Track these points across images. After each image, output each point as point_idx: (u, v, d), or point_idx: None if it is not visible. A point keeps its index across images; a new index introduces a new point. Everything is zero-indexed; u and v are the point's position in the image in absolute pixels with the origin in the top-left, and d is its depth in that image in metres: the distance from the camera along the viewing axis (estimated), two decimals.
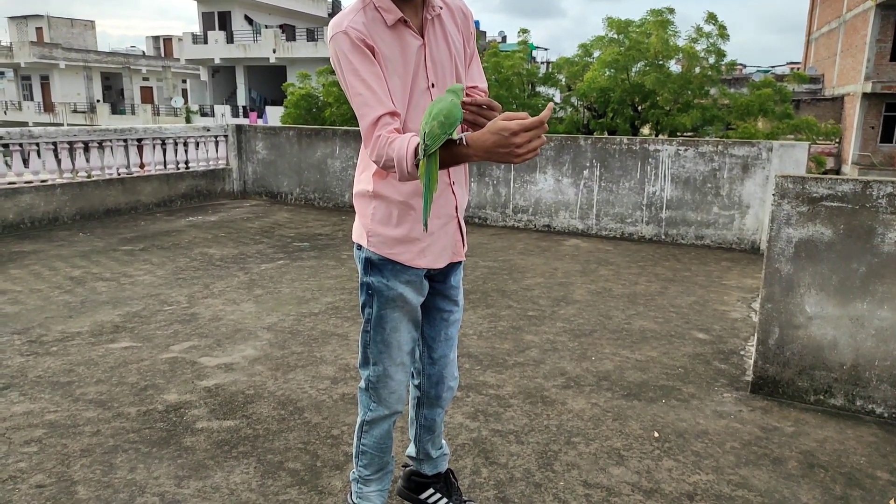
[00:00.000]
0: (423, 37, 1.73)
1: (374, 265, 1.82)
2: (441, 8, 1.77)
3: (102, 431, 2.72)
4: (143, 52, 49.42)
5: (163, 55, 47.16)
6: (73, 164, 7.47)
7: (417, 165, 1.54)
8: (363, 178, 1.83)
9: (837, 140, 26.02)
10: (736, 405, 3.10)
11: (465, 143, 1.53)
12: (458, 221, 1.90)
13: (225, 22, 35.88)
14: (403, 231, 1.79)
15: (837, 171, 26.05)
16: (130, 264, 5.47)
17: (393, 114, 1.62)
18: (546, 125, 1.47)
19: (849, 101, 26.55)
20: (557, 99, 19.18)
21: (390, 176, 1.72)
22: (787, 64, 45.71)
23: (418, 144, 1.53)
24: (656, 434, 2.80)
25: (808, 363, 3.09)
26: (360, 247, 1.86)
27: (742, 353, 3.76)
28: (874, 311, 2.92)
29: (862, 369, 2.99)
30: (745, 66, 34.88)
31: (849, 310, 2.97)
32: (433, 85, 1.75)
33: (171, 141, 8.53)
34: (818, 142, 21.49)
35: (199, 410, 2.92)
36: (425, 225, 1.57)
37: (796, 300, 3.06)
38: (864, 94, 24.51)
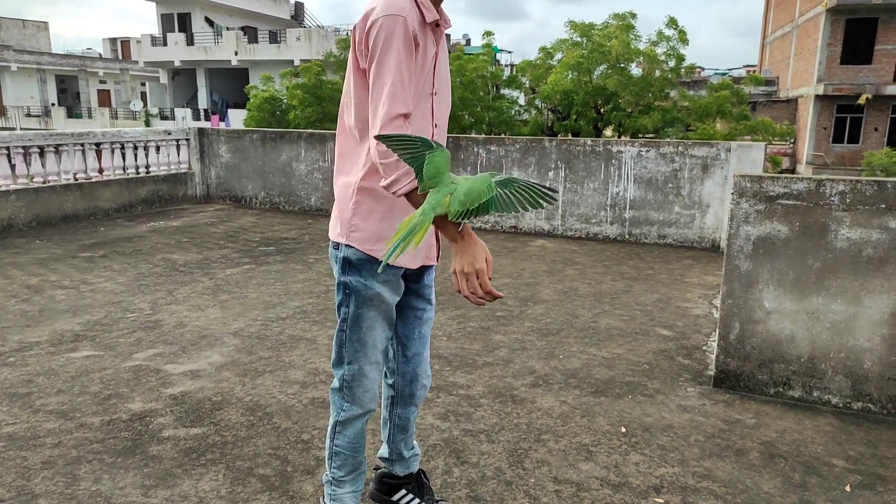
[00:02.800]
0: (437, 44, 1.78)
1: (352, 264, 1.83)
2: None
3: (64, 442, 2.65)
4: (100, 54, 48.18)
5: (120, 57, 46.07)
6: (29, 170, 7.26)
7: (407, 195, 1.60)
8: (351, 170, 1.82)
9: (792, 140, 26.84)
10: (699, 399, 3.18)
11: (461, 229, 1.62)
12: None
13: (185, 24, 35.26)
14: (385, 227, 1.80)
15: (793, 171, 26.85)
16: (90, 271, 5.34)
17: (408, 116, 1.64)
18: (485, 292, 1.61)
19: (802, 103, 27.41)
20: (522, 101, 19.36)
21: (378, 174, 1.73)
22: (744, 67, 46.97)
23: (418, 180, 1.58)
24: (623, 429, 2.86)
25: (768, 357, 3.18)
26: (337, 245, 1.85)
27: (704, 348, 3.86)
28: (829, 305, 3.03)
29: (818, 361, 3.09)
30: (703, 69, 35.72)
31: (805, 304, 3.07)
32: (435, 93, 1.80)
33: (130, 145, 8.35)
34: (774, 142, 22.14)
35: (165, 418, 2.88)
36: (384, 264, 1.58)
37: (755, 296, 3.15)
38: (817, 97, 25.33)
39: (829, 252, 2.99)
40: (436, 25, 1.75)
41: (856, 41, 24.75)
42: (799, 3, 28.72)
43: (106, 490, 2.33)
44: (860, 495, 2.40)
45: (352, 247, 1.81)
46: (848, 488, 2.44)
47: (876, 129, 25.45)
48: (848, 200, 2.92)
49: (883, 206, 2.87)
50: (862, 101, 24.27)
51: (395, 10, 1.61)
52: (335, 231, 1.87)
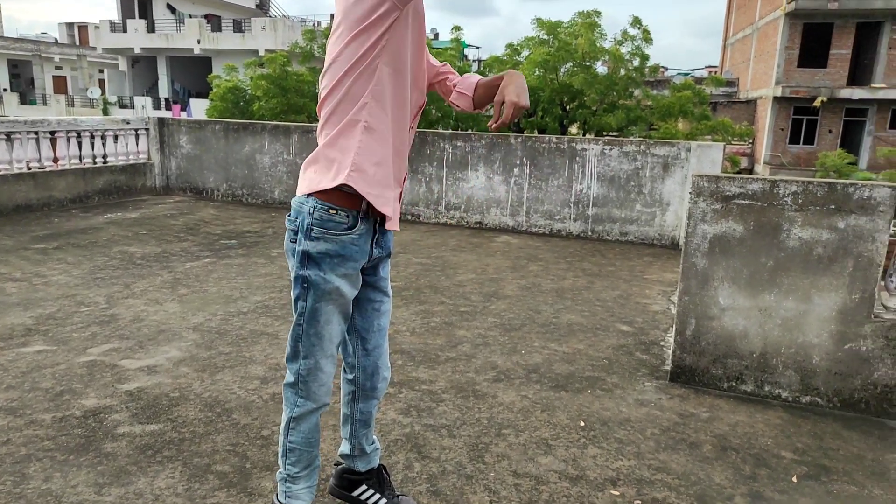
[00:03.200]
0: None
1: (311, 258, 1.81)
2: None
3: (13, 440, 2.58)
4: (56, 39, 46.61)
5: (77, 43, 44.63)
6: None
7: None
8: (353, 109, 1.77)
9: (751, 141, 27.53)
10: (656, 393, 3.25)
11: None
12: (401, 193, 1.95)
13: (146, 10, 34.37)
14: (382, 173, 1.81)
15: (751, 171, 27.56)
16: (43, 263, 5.18)
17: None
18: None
19: (761, 104, 28.13)
20: None
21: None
22: (706, 67, 47.92)
23: None
24: (582, 423, 2.91)
25: (722, 352, 3.27)
26: (294, 238, 1.83)
27: (662, 343, 3.94)
28: (780, 302, 3.12)
29: (769, 357, 3.19)
30: (667, 69, 36.31)
31: (758, 301, 3.16)
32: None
33: (87, 134, 8.11)
34: (733, 142, 22.68)
35: (120, 415, 2.82)
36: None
37: (711, 293, 3.23)
38: (775, 98, 26.03)
39: (781, 251, 3.08)
40: None
41: (812, 45, 25.51)
42: (759, 6, 29.44)
43: (57, 489, 2.27)
44: (806, 486, 2.49)
45: (341, 192, 1.77)
46: (795, 479, 2.53)
47: (830, 131, 26.29)
48: (800, 201, 3.01)
49: (833, 206, 2.97)
50: (817, 103, 25.04)
51: None
52: (313, 181, 1.80)
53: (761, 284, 3.14)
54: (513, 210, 7.19)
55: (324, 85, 1.79)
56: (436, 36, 35.51)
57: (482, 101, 2.04)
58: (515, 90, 1.82)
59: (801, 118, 26.42)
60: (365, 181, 1.78)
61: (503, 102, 1.83)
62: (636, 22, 16.97)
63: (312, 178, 1.82)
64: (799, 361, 3.15)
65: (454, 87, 2.05)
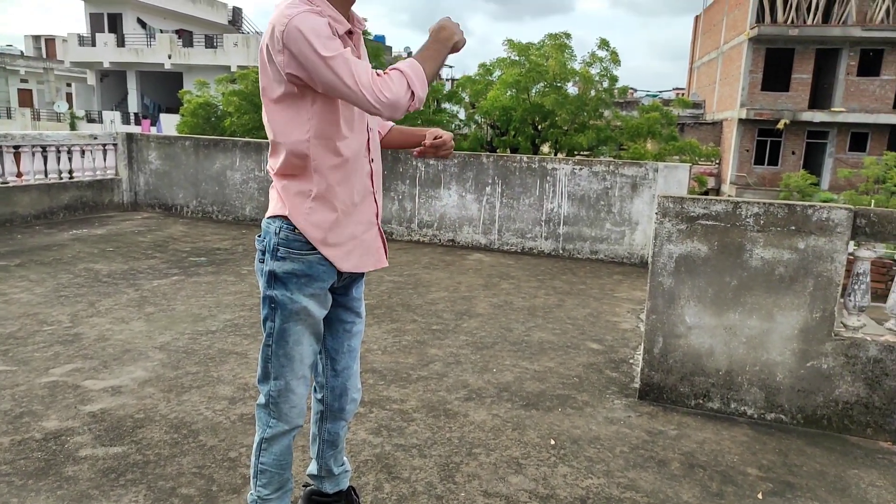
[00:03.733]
0: (356, 48, 1.81)
1: (277, 278, 1.81)
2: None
3: None
4: (22, 51, 45.77)
5: (45, 56, 43.88)
6: None
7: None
8: (301, 179, 1.80)
9: (717, 161, 28.18)
10: (625, 411, 3.28)
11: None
12: (379, 228, 1.95)
13: (115, 24, 33.96)
14: (333, 235, 1.82)
15: (718, 190, 28.17)
16: (4, 281, 5.05)
17: (317, 126, 1.73)
18: None
19: (727, 126, 28.85)
20: (462, 116, 19.58)
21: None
22: (674, 89, 49.05)
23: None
24: (552, 441, 2.92)
25: (689, 370, 3.33)
26: (262, 258, 1.83)
27: (631, 361, 3.99)
28: (745, 321, 3.19)
29: (735, 374, 3.25)
30: (636, 91, 37.08)
31: (723, 320, 3.23)
32: None
33: (53, 149, 7.96)
34: (700, 163, 23.18)
35: (82, 437, 2.75)
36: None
37: (677, 311, 3.29)
38: (740, 120, 26.73)
39: (744, 270, 3.15)
40: (349, 34, 1.78)
41: (775, 69, 26.31)
42: (724, 31, 30.31)
43: None
44: (771, 502, 2.54)
45: (287, 240, 1.80)
46: (760, 496, 2.57)
47: (793, 153, 27.06)
48: (762, 222, 3.10)
49: (793, 227, 3.06)
50: (780, 125, 25.77)
51: (308, 9, 1.64)
52: (277, 206, 1.84)
53: (726, 303, 3.21)
54: (485, 228, 7.24)
55: (267, 132, 1.83)
56: (409, 55, 35.78)
57: (395, 144, 2.15)
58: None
59: (765, 139, 27.15)
60: (318, 240, 1.81)
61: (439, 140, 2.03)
62: (604, 44, 17.33)
63: (276, 203, 1.85)
64: (763, 379, 3.22)
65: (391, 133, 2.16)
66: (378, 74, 1.64)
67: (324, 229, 1.80)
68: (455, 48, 1.76)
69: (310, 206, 1.79)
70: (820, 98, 26.95)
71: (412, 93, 1.64)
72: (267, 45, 1.67)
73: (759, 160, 27.50)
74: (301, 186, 1.80)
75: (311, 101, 1.71)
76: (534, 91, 17.39)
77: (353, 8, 1.82)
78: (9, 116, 36.24)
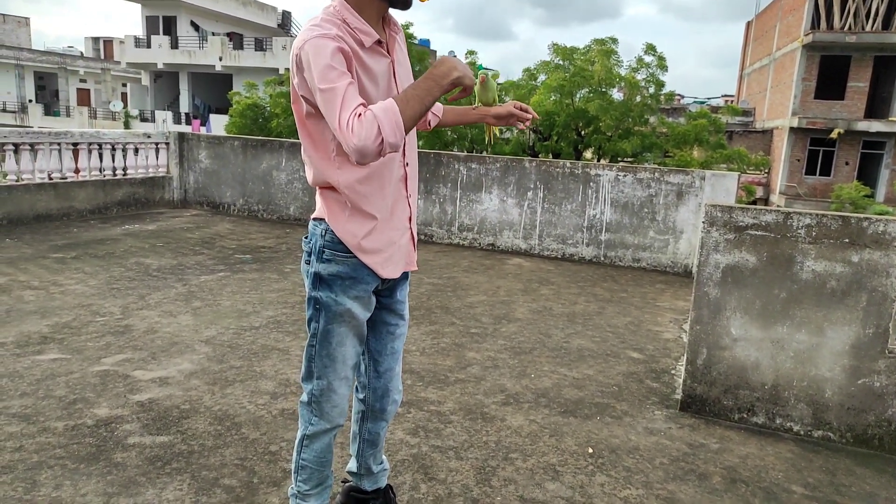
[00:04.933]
0: (389, 54, 1.80)
1: (322, 280, 1.84)
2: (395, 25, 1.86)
3: (26, 447, 2.61)
4: (82, 52, 47.58)
5: (102, 57, 45.55)
6: (2, 167, 7.14)
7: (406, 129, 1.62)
8: (335, 191, 1.83)
9: (766, 171, 27.45)
10: (666, 422, 3.23)
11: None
12: (412, 232, 1.96)
13: (170, 27, 35.02)
14: (371, 242, 1.84)
15: (766, 200, 27.43)
16: (61, 273, 5.26)
17: (366, 106, 1.61)
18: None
19: (777, 135, 28.07)
20: None
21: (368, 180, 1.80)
22: (722, 96, 48.00)
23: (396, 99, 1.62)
24: (590, 450, 2.89)
25: (733, 383, 3.25)
26: (308, 260, 1.86)
27: (673, 372, 3.92)
28: (793, 335, 3.11)
29: (781, 389, 3.17)
30: (682, 97, 36.45)
31: (770, 333, 3.15)
32: None
33: (108, 146, 8.26)
34: (748, 172, 22.61)
35: (131, 425, 2.84)
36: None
37: (723, 323, 3.22)
38: (791, 129, 25.98)
39: (794, 283, 3.07)
40: (378, 43, 1.75)
41: (830, 77, 25.50)
42: (777, 37, 29.53)
43: (66, 497, 2.30)
44: None
45: (328, 246, 1.82)
46: None
47: (847, 163, 26.16)
48: (814, 234, 3.01)
49: (847, 240, 2.97)
50: (834, 135, 24.96)
51: (321, 32, 1.62)
52: (322, 210, 1.87)
53: (774, 316, 3.13)
54: (525, 233, 7.21)
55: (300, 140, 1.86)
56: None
57: (450, 123, 2.25)
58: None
59: (817, 149, 26.33)
60: (357, 247, 1.83)
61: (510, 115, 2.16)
62: (651, 49, 17.08)
63: (320, 206, 1.88)
64: (811, 395, 3.12)
65: None
66: (359, 115, 1.55)
67: (359, 237, 1.82)
68: (455, 85, 1.68)
69: (348, 214, 1.82)
70: (877, 107, 26.01)
71: (381, 139, 1.54)
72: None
73: (810, 170, 26.68)
74: (337, 196, 1.83)
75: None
76: (578, 96, 17.25)
77: (396, 14, 1.84)
78: (68, 115, 37.72)
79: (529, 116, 2.14)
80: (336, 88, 1.57)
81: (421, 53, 20.33)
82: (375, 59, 1.74)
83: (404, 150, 1.89)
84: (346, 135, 1.54)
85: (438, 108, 2.19)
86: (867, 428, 3.06)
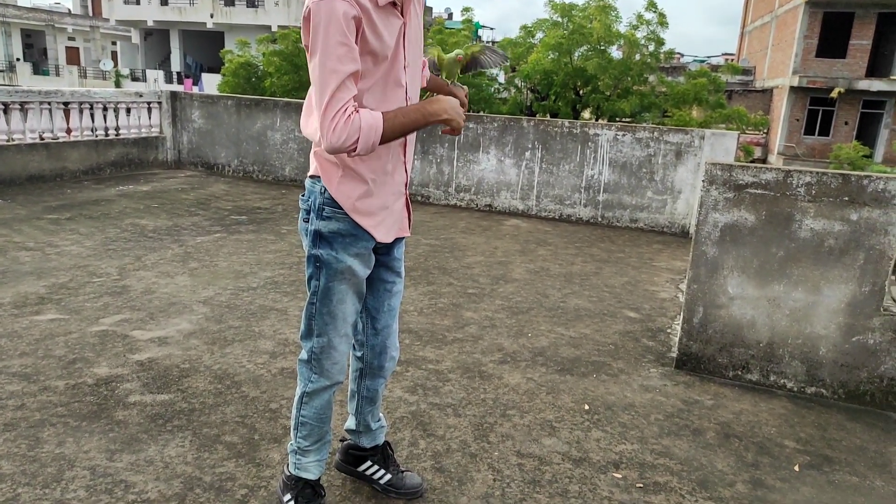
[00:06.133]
0: (403, 14, 1.75)
1: (323, 237, 1.83)
2: None
3: (28, 405, 2.63)
4: (69, 9, 46.47)
5: (91, 14, 44.50)
6: None
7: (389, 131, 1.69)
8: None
9: (765, 130, 27.26)
10: (661, 380, 3.27)
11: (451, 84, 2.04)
12: (406, 197, 1.95)
13: None
14: (365, 205, 1.82)
15: (764, 160, 27.31)
16: (56, 234, 5.23)
17: (356, 98, 1.66)
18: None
19: (777, 94, 27.79)
20: (501, 79, 19.28)
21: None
22: (723, 55, 47.35)
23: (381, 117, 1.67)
24: (587, 406, 2.93)
25: (729, 341, 3.28)
26: (307, 218, 1.84)
27: (669, 331, 3.95)
28: (789, 293, 3.12)
29: (776, 347, 3.20)
30: (682, 56, 35.96)
31: (767, 291, 3.16)
32: (407, 65, 1.79)
33: (100, 106, 8.13)
34: (747, 131, 22.46)
35: (131, 384, 2.86)
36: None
37: (720, 282, 3.23)
38: (792, 88, 25.70)
39: (792, 241, 3.07)
40: (392, 4, 1.70)
41: (832, 35, 25.12)
42: None
43: (70, 453, 2.32)
44: (808, 475, 2.51)
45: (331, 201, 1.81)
46: (797, 468, 2.55)
47: (846, 123, 25.98)
48: (813, 192, 3.00)
49: (846, 198, 2.95)
50: (834, 94, 24.71)
51: None
52: (319, 168, 1.85)
53: (771, 274, 3.14)
54: (523, 194, 7.18)
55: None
56: (449, 16, 35.23)
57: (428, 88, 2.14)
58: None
59: (817, 109, 26.10)
60: (351, 209, 1.81)
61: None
62: (651, 5, 16.76)
63: (315, 165, 1.85)
64: (805, 352, 3.15)
65: None
66: (348, 116, 1.59)
67: (353, 198, 1.81)
68: (442, 122, 1.76)
69: (340, 174, 1.80)
70: (879, 65, 25.69)
71: (355, 147, 1.63)
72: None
73: (809, 130, 26.51)
74: (330, 156, 1.81)
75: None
76: (576, 55, 16.99)
77: None
78: (57, 74, 37.05)
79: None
80: (337, 73, 1.58)
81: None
82: (388, 18, 1.69)
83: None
84: (327, 127, 1.59)
85: (425, 75, 2.08)
86: (859, 384, 3.10)
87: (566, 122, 7.00)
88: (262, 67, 20.25)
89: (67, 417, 2.56)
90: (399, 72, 1.77)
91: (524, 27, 18.42)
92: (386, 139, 1.67)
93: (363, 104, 1.72)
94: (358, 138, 1.61)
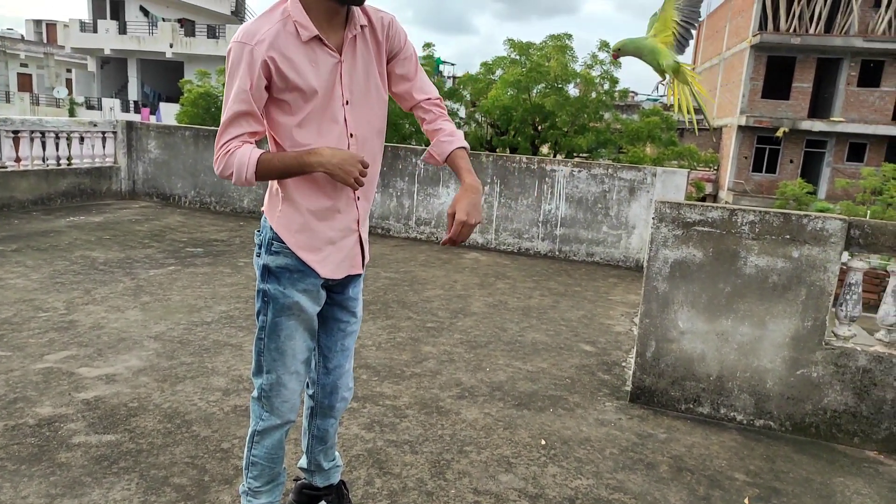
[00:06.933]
0: (340, 53, 1.76)
1: (271, 272, 1.83)
2: (364, 26, 1.80)
3: None
4: (22, 35, 45.55)
5: (45, 41, 43.70)
6: None
7: (256, 176, 1.74)
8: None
9: (716, 167, 28.25)
10: (616, 413, 3.31)
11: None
12: (360, 235, 1.93)
13: (117, 11, 33.87)
14: (304, 239, 1.82)
15: (715, 197, 28.25)
16: (1, 266, 5.05)
17: (253, 134, 1.75)
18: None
19: (726, 133, 28.92)
20: (462, 114, 19.58)
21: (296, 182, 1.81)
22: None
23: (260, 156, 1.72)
24: (543, 441, 2.94)
25: (680, 374, 3.35)
26: (259, 253, 1.86)
27: (623, 364, 4.01)
28: (737, 328, 3.22)
29: (725, 380, 3.28)
30: (636, 94, 37.14)
31: (715, 326, 3.25)
32: (348, 101, 1.79)
33: (52, 135, 7.94)
34: (698, 168, 23.25)
35: (75, 424, 2.76)
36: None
37: (671, 316, 3.32)
38: (740, 127, 26.80)
39: (738, 277, 3.18)
40: (318, 39, 1.71)
41: (776, 77, 26.38)
42: (727, 37, 30.37)
43: (6, 499, 2.22)
44: None
45: (276, 238, 1.83)
46: (747, 501, 2.60)
47: (791, 161, 27.15)
48: (757, 230, 3.12)
49: (788, 236, 3.09)
50: (780, 133, 25.85)
51: (245, 37, 1.68)
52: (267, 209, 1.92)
53: (719, 309, 3.24)
54: (482, 228, 7.26)
55: None
56: None
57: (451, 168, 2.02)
58: (466, 207, 1.78)
59: (764, 147, 27.23)
60: (291, 243, 1.83)
61: (454, 215, 1.79)
62: (605, 45, 17.34)
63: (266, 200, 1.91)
64: (753, 385, 3.25)
65: (431, 137, 1.96)
66: (229, 151, 1.72)
67: (292, 231, 1.82)
68: (326, 173, 1.71)
69: (280, 208, 1.82)
70: (820, 107, 27.04)
71: (230, 178, 1.74)
72: None
73: (757, 167, 27.59)
74: (274, 186, 1.87)
75: (261, 109, 1.74)
76: (535, 91, 17.40)
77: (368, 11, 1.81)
78: (7, 101, 36.07)
79: (446, 237, 1.87)
80: (230, 110, 1.71)
81: None
82: (315, 54, 1.71)
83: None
84: (216, 156, 1.75)
85: (442, 151, 1.94)
86: (805, 416, 3.20)
87: (524, 158, 7.14)
88: (221, 98, 20.12)
89: (5, 461, 2.45)
90: (335, 109, 1.77)
91: (484, 64, 18.80)
92: (262, 177, 1.74)
93: (296, 138, 1.76)
94: (232, 172, 1.72)
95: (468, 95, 19.20)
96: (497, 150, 17.63)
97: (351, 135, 1.82)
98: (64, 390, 3.06)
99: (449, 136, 1.91)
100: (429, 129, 1.94)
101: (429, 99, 1.95)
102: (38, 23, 46.29)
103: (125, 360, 3.46)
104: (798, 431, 3.22)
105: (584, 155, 17.11)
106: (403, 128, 17.55)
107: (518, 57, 17.60)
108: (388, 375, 3.55)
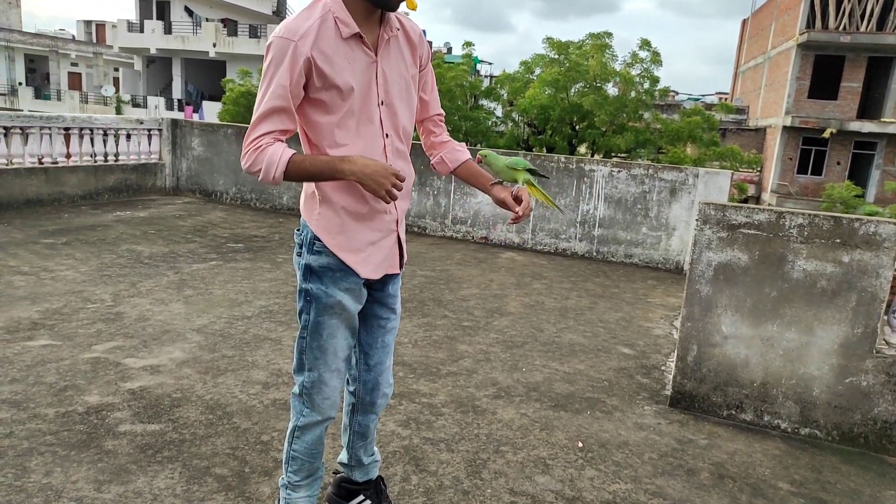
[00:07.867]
0: (376, 54, 1.77)
1: (313, 272, 1.84)
2: (398, 30, 1.83)
3: (16, 433, 2.60)
4: (74, 36, 47.04)
5: (94, 41, 45.06)
6: None
7: (285, 175, 1.73)
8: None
9: (759, 169, 27.58)
10: (655, 418, 3.26)
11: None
12: (398, 235, 1.94)
13: (163, 11, 34.73)
14: (344, 240, 1.83)
15: (758, 199, 27.57)
16: (51, 258, 5.22)
17: (284, 132, 1.75)
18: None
19: (770, 133, 28.19)
20: (499, 113, 19.53)
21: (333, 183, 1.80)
22: (717, 94, 48.12)
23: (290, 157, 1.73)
24: (580, 444, 2.91)
25: (723, 380, 3.28)
26: (300, 252, 1.88)
27: (663, 368, 3.95)
28: (783, 333, 3.14)
29: (770, 387, 3.20)
30: (677, 94, 36.53)
31: (760, 331, 3.17)
32: (383, 102, 1.80)
33: (100, 132, 8.19)
34: (741, 170, 22.73)
35: (122, 413, 2.84)
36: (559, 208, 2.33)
37: (714, 320, 3.25)
38: (784, 128, 26.10)
39: (785, 282, 3.10)
40: (359, 37, 1.73)
41: (823, 77, 25.61)
42: (772, 36, 29.61)
43: (57, 483, 2.29)
44: None
45: (318, 239, 1.83)
46: None
47: (838, 163, 26.32)
48: (806, 233, 3.03)
49: (838, 240, 2.99)
50: (827, 134, 25.10)
51: (288, 33, 1.68)
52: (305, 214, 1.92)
53: (764, 314, 3.16)
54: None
55: None
56: (449, 50, 35.80)
57: (462, 178, 2.08)
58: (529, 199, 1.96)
59: (809, 148, 26.47)
60: (331, 245, 1.83)
61: (517, 198, 1.94)
62: (646, 44, 17.09)
63: (303, 200, 1.91)
64: (799, 393, 3.16)
65: (440, 150, 2.07)
66: (261, 147, 1.71)
67: (332, 233, 1.82)
68: (357, 181, 1.71)
69: (318, 210, 1.83)
70: (870, 108, 26.16)
71: (258, 175, 1.74)
72: None
73: (802, 169, 26.84)
74: (310, 188, 1.86)
75: (296, 108, 1.74)
76: (573, 91, 17.24)
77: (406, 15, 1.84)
78: (59, 98, 37.33)
79: (518, 214, 1.92)
80: (264, 106, 1.70)
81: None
82: (353, 52, 1.73)
83: (386, 153, 1.84)
84: (243, 152, 1.74)
85: (454, 159, 2.06)
86: (853, 426, 3.10)
87: (562, 158, 7.08)
88: None
89: (56, 446, 2.53)
90: (371, 109, 1.78)
91: (524, 62, 18.72)
92: (290, 178, 1.73)
93: (335, 138, 1.76)
94: (261, 168, 1.72)
95: (505, 94, 19.13)
96: (534, 149, 17.53)
97: (386, 135, 1.84)
98: (111, 380, 3.15)
99: (460, 148, 2.08)
100: (436, 141, 2.08)
101: (439, 115, 2.08)
102: (88, 23, 47.77)
103: (169, 352, 3.55)
104: (846, 441, 3.12)
105: (623, 155, 16.89)
106: None
107: (556, 56, 17.46)
108: (425, 373, 3.55)
